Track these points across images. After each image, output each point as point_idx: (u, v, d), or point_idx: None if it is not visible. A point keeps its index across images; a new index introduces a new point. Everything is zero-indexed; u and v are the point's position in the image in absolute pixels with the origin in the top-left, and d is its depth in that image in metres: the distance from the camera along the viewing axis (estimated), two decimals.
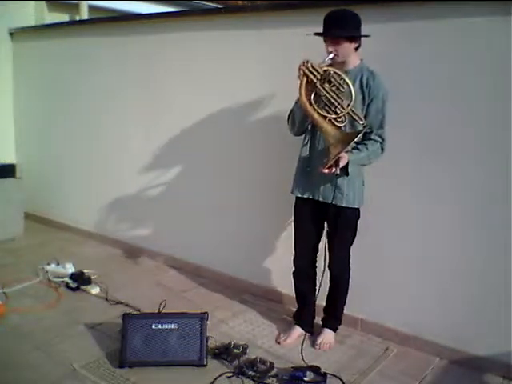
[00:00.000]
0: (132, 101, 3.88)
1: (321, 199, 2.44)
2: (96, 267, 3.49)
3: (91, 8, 5.57)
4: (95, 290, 3.20)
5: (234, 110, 3.25)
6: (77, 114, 4.30)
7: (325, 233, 2.57)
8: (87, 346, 2.55)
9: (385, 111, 2.36)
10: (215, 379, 2.28)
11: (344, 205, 2.41)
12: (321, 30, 2.30)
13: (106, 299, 3.10)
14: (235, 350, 2.45)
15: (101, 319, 2.81)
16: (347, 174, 2.33)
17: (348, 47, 2.29)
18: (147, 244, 3.90)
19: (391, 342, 2.71)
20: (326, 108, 2.26)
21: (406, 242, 2.66)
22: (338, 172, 2.28)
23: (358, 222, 2.51)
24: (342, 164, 2.26)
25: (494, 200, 2.39)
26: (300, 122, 2.42)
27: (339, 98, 2.24)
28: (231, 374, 2.31)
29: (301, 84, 2.26)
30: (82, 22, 4.89)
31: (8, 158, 4.57)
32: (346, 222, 2.47)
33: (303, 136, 2.50)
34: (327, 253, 2.50)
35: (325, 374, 2.28)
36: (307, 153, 2.47)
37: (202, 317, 2.43)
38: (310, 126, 2.44)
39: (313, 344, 2.65)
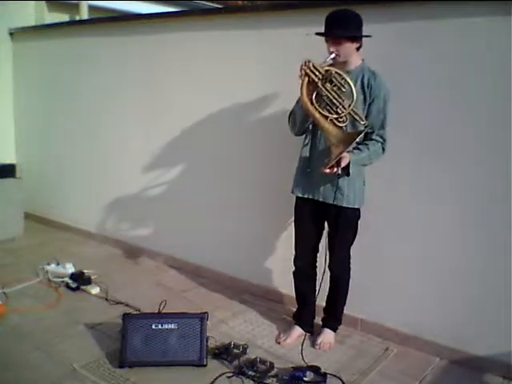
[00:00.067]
0: (132, 101, 3.88)
1: (321, 199, 2.44)
2: (96, 267, 3.49)
3: (91, 8, 5.57)
4: (95, 290, 3.20)
5: (234, 110, 3.25)
6: (77, 114, 4.30)
7: (325, 233, 2.57)
8: (87, 345, 2.55)
9: (386, 111, 2.36)
10: (215, 379, 2.28)
11: (345, 205, 2.41)
12: (321, 29, 2.30)
13: (106, 299, 3.10)
14: (235, 350, 2.45)
15: (101, 319, 2.81)
16: (348, 175, 2.32)
17: (349, 47, 2.29)
18: (147, 244, 3.90)
19: (391, 341, 2.71)
20: (328, 108, 2.26)
21: (405, 242, 2.67)
22: (340, 172, 2.27)
23: (359, 222, 2.51)
24: (343, 164, 2.26)
25: (493, 200, 2.39)
26: (301, 121, 2.42)
27: (340, 98, 2.24)
28: (231, 374, 2.31)
29: (302, 84, 2.26)
30: (82, 21, 4.89)
31: (8, 158, 4.57)
32: (347, 222, 2.47)
33: (304, 136, 2.50)
34: (327, 253, 2.50)
35: (325, 374, 2.28)
36: (308, 153, 2.47)
37: (202, 317, 2.43)
38: (310, 126, 2.45)
39: (313, 344, 2.65)
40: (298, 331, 2.70)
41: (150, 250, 3.87)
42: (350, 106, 2.23)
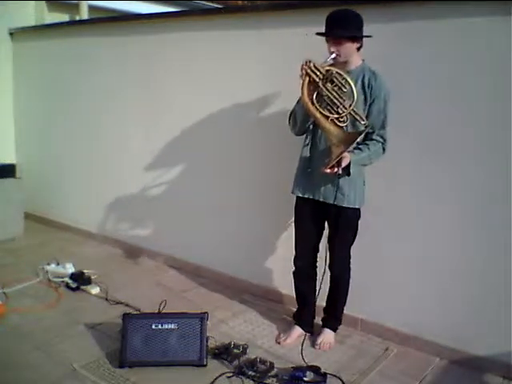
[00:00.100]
0: (132, 101, 3.88)
1: (321, 199, 2.44)
2: (96, 267, 3.49)
3: (91, 8, 5.57)
4: (95, 290, 3.20)
5: (234, 110, 3.25)
6: (77, 114, 4.30)
7: (325, 233, 2.57)
8: (87, 345, 2.55)
9: (387, 111, 2.36)
10: (215, 379, 2.28)
11: (345, 205, 2.41)
12: (321, 29, 2.30)
13: (106, 299, 3.10)
14: (235, 350, 2.45)
15: (101, 319, 2.81)
16: (349, 174, 2.32)
17: (350, 47, 2.29)
18: (147, 244, 3.90)
19: (391, 341, 2.71)
20: (328, 108, 2.26)
21: (405, 241, 2.67)
22: (340, 172, 2.27)
23: (359, 222, 2.51)
24: (344, 164, 2.26)
25: (494, 200, 2.40)
26: (301, 121, 2.42)
27: (341, 97, 2.24)
28: (231, 374, 2.31)
29: (303, 83, 2.26)
30: (82, 21, 4.89)
31: (8, 158, 4.57)
32: (347, 222, 2.47)
33: (304, 136, 2.50)
34: (327, 253, 2.50)
35: (325, 374, 2.28)
36: (308, 153, 2.47)
37: (202, 317, 2.43)
38: (311, 126, 2.45)
39: (313, 344, 2.65)
40: (297, 331, 2.70)
41: (150, 250, 3.87)
42: (350, 106, 2.23)
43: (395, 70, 2.51)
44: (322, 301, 2.66)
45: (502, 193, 2.36)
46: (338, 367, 2.44)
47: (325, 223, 2.56)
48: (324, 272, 2.46)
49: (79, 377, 2.28)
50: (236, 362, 2.39)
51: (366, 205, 2.49)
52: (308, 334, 2.65)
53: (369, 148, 2.36)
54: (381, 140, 2.39)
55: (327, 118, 2.25)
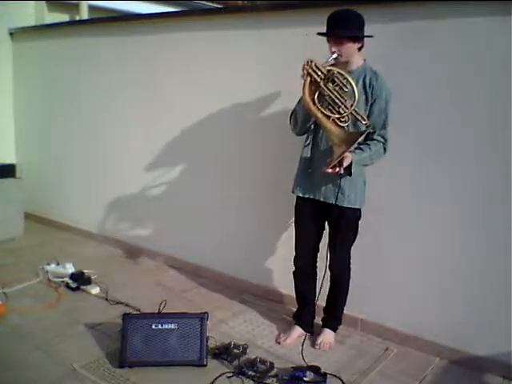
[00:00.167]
0: (132, 101, 3.88)
1: (322, 199, 2.44)
2: (96, 267, 3.49)
3: (91, 8, 5.57)
4: (95, 290, 3.20)
5: (234, 110, 3.25)
6: (77, 114, 4.30)
7: (325, 233, 2.57)
8: (87, 345, 2.55)
9: (388, 111, 2.36)
10: (215, 379, 2.28)
11: (346, 205, 2.41)
12: (321, 29, 2.30)
13: (106, 299, 3.10)
14: (235, 350, 2.45)
15: (101, 319, 2.81)
16: (350, 174, 2.32)
17: (351, 47, 2.29)
18: (147, 244, 3.90)
19: (391, 341, 2.71)
20: (330, 108, 2.26)
21: (405, 242, 2.67)
22: (342, 172, 2.27)
23: (359, 223, 2.51)
24: (345, 164, 2.26)
25: (494, 200, 2.40)
26: (302, 121, 2.42)
27: (342, 97, 2.24)
28: (231, 374, 2.31)
29: (304, 83, 2.26)
30: (82, 21, 4.89)
31: (8, 158, 4.57)
32: (348, 222, 2.47)
33: (305, 136, 2.50)
34: (328, 253, 2.50)
35: (325, 374, 2.28)
36: (309, 153, 2.47)
37: (202, 317, 2.43)
38: (312, 126, 2.45)
39: (313, 344, 2.65)
40: (298, 331, 2.70)
41: (150, 250, 3.87)
42: (351, 105, 2.23)
43: (395, 69, 2.51)
44: (321, 301, 2.66)
45: (502, 193, 2.36)
46: (338, 367, 2.44)
47: (325, 223, 2.56)
48: (325, 272, 2.46)
49: (79, 377, 2.28)
50: (236, 362, 2.39)
51: (366, 205, 2.49)
52: (308, 334, 2.65)
53: (370, 148, 2.36)
54: (382, 140, 2.39)
55: (328, 117, 2.25)
